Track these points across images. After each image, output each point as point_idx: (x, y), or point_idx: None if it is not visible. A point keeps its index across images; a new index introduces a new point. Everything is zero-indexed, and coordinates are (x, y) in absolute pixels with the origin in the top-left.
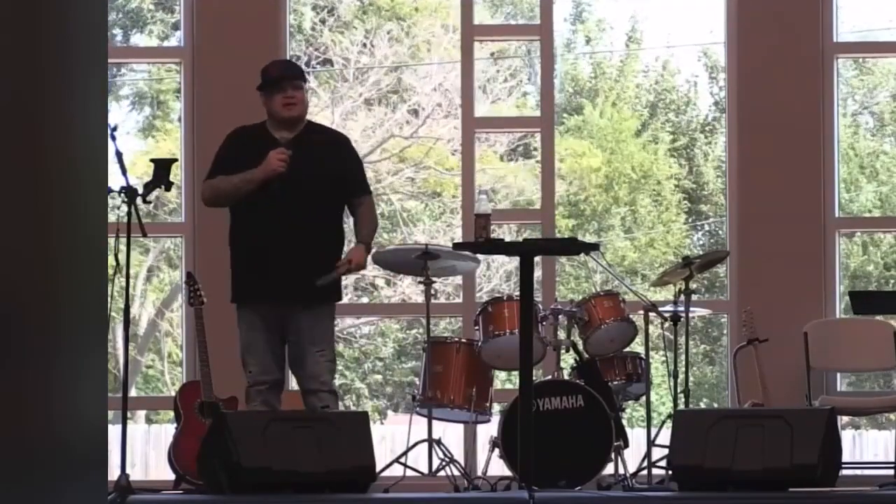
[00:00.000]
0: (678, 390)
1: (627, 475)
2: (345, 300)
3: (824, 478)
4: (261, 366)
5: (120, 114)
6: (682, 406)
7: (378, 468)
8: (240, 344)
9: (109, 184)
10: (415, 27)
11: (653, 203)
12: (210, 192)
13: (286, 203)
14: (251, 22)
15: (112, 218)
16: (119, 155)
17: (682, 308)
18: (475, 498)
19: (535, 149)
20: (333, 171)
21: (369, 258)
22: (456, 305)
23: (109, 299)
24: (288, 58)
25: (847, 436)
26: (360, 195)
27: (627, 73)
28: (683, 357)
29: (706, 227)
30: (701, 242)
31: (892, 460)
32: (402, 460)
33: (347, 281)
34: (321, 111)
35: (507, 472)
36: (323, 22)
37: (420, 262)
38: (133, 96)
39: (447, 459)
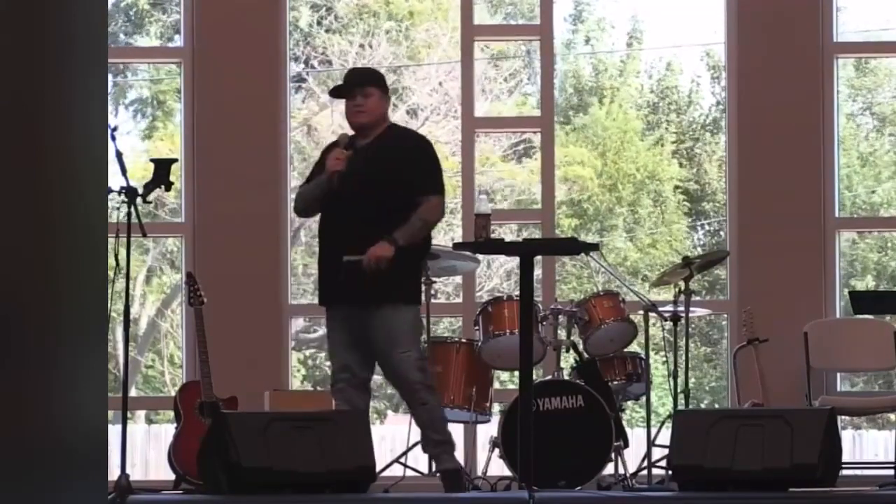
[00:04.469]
0: (678, 390)
1: (627, 475)
2: None
3: (824, 478)
4: (338, 364)
5: (125, 116)
6: (682, 406)
7: (378, 468)
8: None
9: (109, 184)
10: (413, 28)
11: (654, 203)
12: (296, 201)
13: (355, 206)
14: (251, 22)
15: (112, 218)
16: (119, 155)
17: (682, 308)
18: (475, 498)
19: (534, 148)
20: (401, 172)
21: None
22: (456, 305)
23: (109, 299)
24: (289, 58)
25: (847, 436)
26: (422, 195)
27: (629, 73)
28: (683, 357)
29: (706, 227)
30: (701, 242)
31: (892, 460)
32: (402, 460)
33: None
34: (321, 111)
35: (507, 472)
36: (319, 23)
37: None
38: (136, 102)
39: None
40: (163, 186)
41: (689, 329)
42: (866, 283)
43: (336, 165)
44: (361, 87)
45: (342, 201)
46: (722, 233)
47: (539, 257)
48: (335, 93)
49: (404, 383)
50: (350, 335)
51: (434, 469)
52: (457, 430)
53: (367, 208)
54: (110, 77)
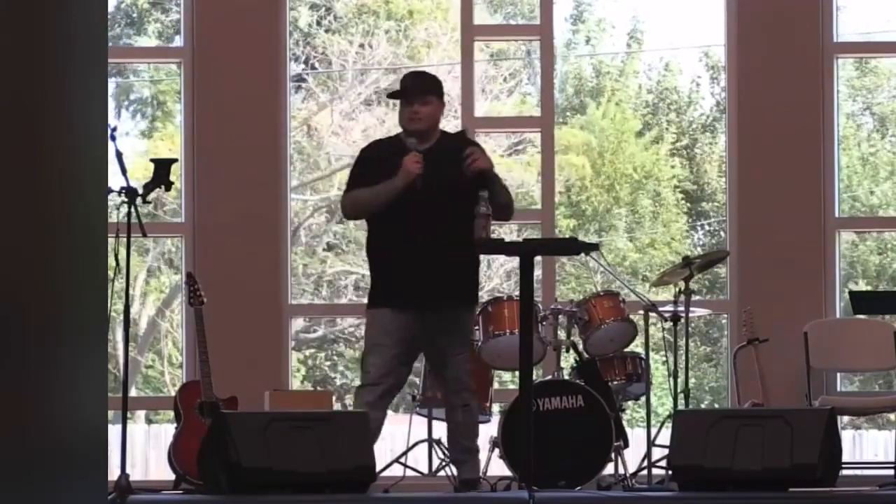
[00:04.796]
0: (678, 390)
1: (627, 475)
2: (344, 300)
3: (824, 478)
4: (385, 368)
5: (125, 116)
6: (682, 406)
7: (378, 468)
8: (364, 345)
9: (109, 184)
10: (413, 27)
11: (654, 203)
12: (351, 204)
13: (432, 208)
14: (251, 22)
15: (112, 218)
16: (119, 155)
17: (682, 308)
18: (475, 498)
19: (531, 144)
20: (461, 177)
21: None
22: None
23: (109, 299)
24: (289, 57)
25: (847, 436)
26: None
27: (628, 73)
28: (683, 357)
29: (706, 227)
30: (701, 242)
31: (892, 460)
32: (402, 460)
33: (347, 281)
34: (320, 111)
35: (507, 472)
36: (318, 23)
37: None
38: (136, 102)
39: (447, 459)
40: (163, 186)
41: (689, 329)
42: (865, 285)
43: (418, 169)
44: (422, 95)
45: (417, 203)
46: (722, 233)
47: (539, 257)
48: (394, 95)
49: (457, 384)
50: (405, 339)
51: (456, 475)
52: None
53: (443, 210)
54: (112, 77)
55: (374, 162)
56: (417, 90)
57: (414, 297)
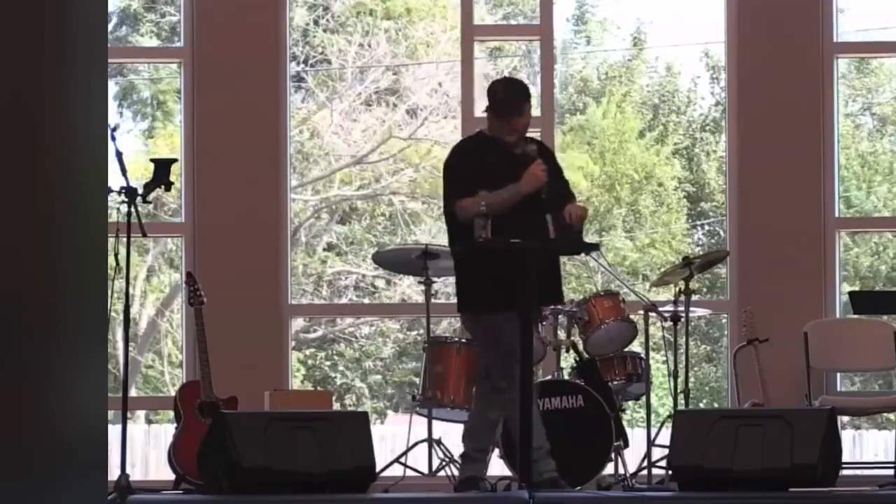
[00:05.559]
0: (678, 390)
1: (627, 475)
2: (344, 300)
3: (824, 478)
4: (505, 371)
5: (125, 116)
6: (682, 406)
7: (378, 468)
8: (491, 351)
9: (109, 184)
10: (411, 26)
11: (654, 203)
12: (477, 215)
13: (541, 211)
14: (251, 22)
15: (112, 218)
16: (119, 155)
17: (682, 308)
18: (475, 498)
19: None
20: (553, 179)
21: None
22: (456, 305)
23: (109, 299)
24: (289, 57)
25: (847, 436)
26: (568, 200)
27: (630, 73)
28: (683, 357)
29: (706, 227)
30: (701, 242)
31: (892, 460)
32: (402, 460)
33: (347, 281)
34: (320, 111)
35: (507, 472)
36: (316, 22)
37: (420, 262)
38: (136, 102)
39: (447, 459)
40: (163, 186)
41: (689, 329)
42: (858, 286)
43: (545, 177)
44: (518, 106)
45: (532, 206)
46: (722, 233)
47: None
48: (502, 110)
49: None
50: (519, 338)
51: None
52: (457, 430)
53: (537, 214)
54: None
55: (476, 164)
56: (514, 102)
57: (525, 301)
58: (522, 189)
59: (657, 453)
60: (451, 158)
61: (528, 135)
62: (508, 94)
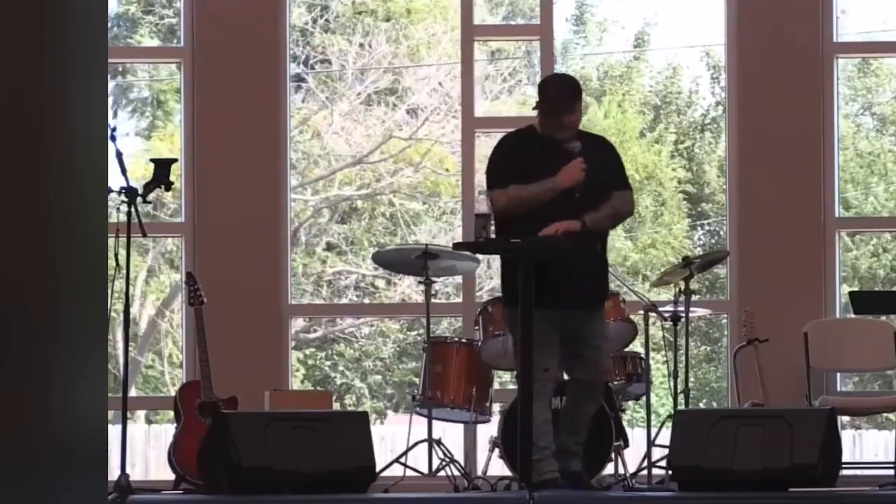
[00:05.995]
0: (678, 390)
1: (627, 475)
2: (344, 300)
3: (824, 478)
4: (556, 364)
5: (122, 117)
6: (682, 406)
7: (378, 468)
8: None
9: (109, 184)
10: (411, 26)
11: (655, 203)
12: (507, 201)
13: (576, 207)
14: (251, 22)
15: (112, 218)
16: (119, 155)
17: (682, 308)
18: (475, 498)
19: None
20: (601, 173)
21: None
22: (456, 305)
23: (109, 299)
24: (290, 57)
25: (847, 436)
26: (618, 189)
27: (631, 74)
28: (683, 357)
29: (706, 227)
30: (701, 242)
31: (892, 460)
32: (402, 460)
33: (347, 281)
34: (320, 111)
35: (507, 472)
36: (315, 21)
37: (420, 262)
38: (135, 101)
39: (447, 459)
40: (163, 186)
41: (689, 329)
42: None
43: (582, 177)
44: (570, 104)
45: (566, 203)
46: (722, 233)
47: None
48: (553, 107)
49: (598, 384)
50: (557, 334)
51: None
52: (457, 430)
53: (582, 209)
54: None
55: (517, 157)
56: (565, 100)
57: (566, 295)
58: (557, 185)
59: (657, 453)
60: (493, 150)
61: (594, 132)
62: (560, 91)
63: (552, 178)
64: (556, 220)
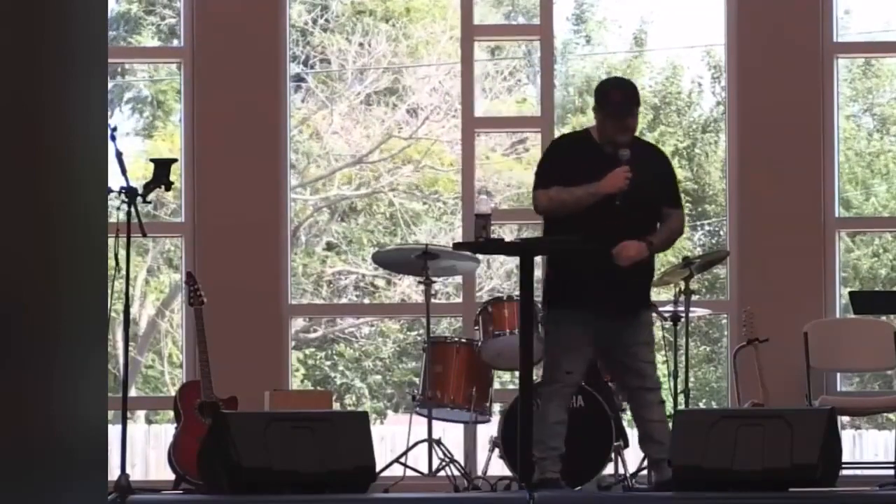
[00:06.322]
0: (678, 390)
1: (627, 475)
2: (344, 300)
3: (824, 478)
4: (561, 368)
5: (121, 117)
6: (682, 406)
7: (378, 468)
8: (552, 344)
9: (109, 184)
10: (411, 25)
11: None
12: (548, 202)
13: (624, 216)
14: (251, 22)
15: (112, 218)
16: (119, 155)
17: (682, 308)
18: (475, 498)
19: (532, 144)
20: (654, 186)
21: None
22: (456, 305)
23: (109, 299)
24: (290, 57)
25: (847, 436)
26: (670, 208)
27: (631, 74)
28: (683, 357)
29: (706, 228)
30: (701, 242)
31: (892, 460)
32: (402, 460)
33: (347, 281)
34: (319, 110)
35: (507, 472)
36: (315, 21)
37: (420, 262)
38: (134, 101)
39: (447, 459)
40: (163, 186)
41: (689, 329)
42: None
43: (626, 185)
44: (630, 109)
45: (607, 210)
46: (722, 233)
47: (539, 257)
48: (615, 111)
49: (648, 390)
50: (590, 339)
51: (652, 474)
52: (457, 430)
53: (632, 219)
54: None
55: (566, 159)
56: (627, 105)
57: (603, 301)
58: (599, 190)
59: None
60: (545, 151)
61: (649, 141)
62: (624, 96)
63: (595, 182)
64: (596, 224)
